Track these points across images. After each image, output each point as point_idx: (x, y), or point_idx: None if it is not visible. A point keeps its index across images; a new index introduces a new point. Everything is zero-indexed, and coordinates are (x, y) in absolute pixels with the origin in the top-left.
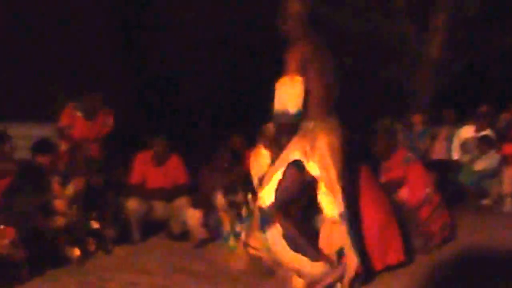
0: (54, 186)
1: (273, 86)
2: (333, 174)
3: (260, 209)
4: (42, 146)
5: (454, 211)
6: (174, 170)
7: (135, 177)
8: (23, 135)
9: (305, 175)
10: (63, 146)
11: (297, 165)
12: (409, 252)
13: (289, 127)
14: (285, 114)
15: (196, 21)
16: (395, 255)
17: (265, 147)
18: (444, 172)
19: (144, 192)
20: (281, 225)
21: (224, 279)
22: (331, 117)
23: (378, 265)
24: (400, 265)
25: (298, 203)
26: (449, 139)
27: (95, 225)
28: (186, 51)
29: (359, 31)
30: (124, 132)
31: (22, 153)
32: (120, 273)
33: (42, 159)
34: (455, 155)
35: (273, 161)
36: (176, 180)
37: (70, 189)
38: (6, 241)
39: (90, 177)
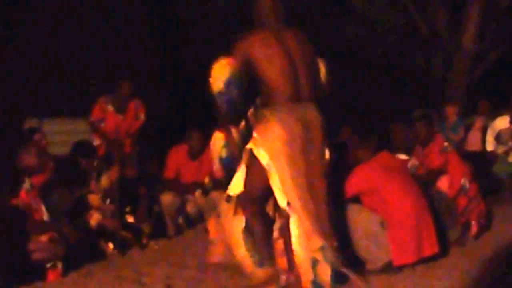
0: (91, 182)
1: None
2: (283, 162)
3: (227, 196)
4: (84, 148)
5: (489, 203)
6: (209, 164)
7: (169, 171)
8: (58, 131)
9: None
10: (96, 141)
11: (252, 154)
12: (444, 244)
13: (219, 108)
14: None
15: (231, 11)
16: (429, 247)
17: (220, 130)
18: (478, 164)
19: (179, 186)
20: (247, 220)
21: None
22: (298, 104)
23: (412, 257)
24: (435, 257)
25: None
26: (484, 130)
27: (129, 219)
28: (220, 42)
29: (393, 23)
30: (158, 125)
31: (57, 148)
32: (156, 267)
33: (81, 160)
34: (490, 147)
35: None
36: (211, 173)
37: (105, 181)
38: (45, 238)
39: (124, 171)
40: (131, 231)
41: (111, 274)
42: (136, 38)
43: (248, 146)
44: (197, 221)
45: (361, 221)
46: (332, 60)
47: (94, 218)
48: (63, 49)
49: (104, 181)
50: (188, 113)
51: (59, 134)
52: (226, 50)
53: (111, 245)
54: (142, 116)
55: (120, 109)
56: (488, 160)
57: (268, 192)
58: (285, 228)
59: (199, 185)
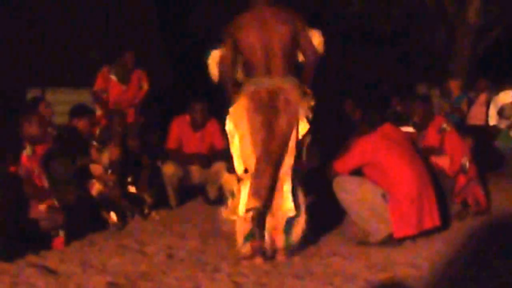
0: (91, 151)
1: None
2: (246, 129)
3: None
4: (79, 110)
5: (491, 177)
6: (211, 135)
7: (172, 142)
8: (61, 101)
9: None
10: (98, 111)
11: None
12: (445, 218)
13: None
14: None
15: None
16: (431, 220)
17: None
18: (481, 138)
19: (180, 157)
20: None
21: None
22: (269, 77)
23: (413, 230)
24: (436, 230)
25: None
26: (487, 105)
27: (131, 189)
28: (224, 11)
29: None
30: (161, 95)
31: (60, 118)
32: (157, 237)
33: (79, 123)
34: (492, 121)
35: None
36: (213, 145)
37: (106, 157)
38: (44, 207)
39: (126, 142)
40: (133, 201)
41: (113, 243)
42: (139, 7)
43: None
44: (198, 191)
45: (363, 193)
46: (338, 34)
47: (96, 188)
48: (65, 18)
49: (105, 156)
50: (191, 84)
51: (62, 104)
52: (230, 20)
53: (113, 215)
54: (146, 86)
55: (124, 79)
56: (490, 134)
57: None
58: None
59: (201, 156)
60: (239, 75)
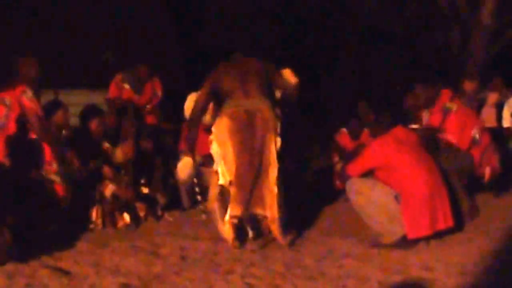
0: (104, 152)
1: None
2: (229, 146)
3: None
4: (90, 111)
5: (504, 181)
6: None
7: (185, 143)
8: (74, 103)
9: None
10: (112, 118)
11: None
12: (459, 219)
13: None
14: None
15: None
16: (444, 220)
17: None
18: (494, 140)
19: (193, 159)
20: None
21: (273, 245)
22: (246, 99)
23: (426, 231)
24: (449, 231)
25: None
26: (498, 106)
27: (144, 190)
28: (238, 19)
29: None
30: (175, 99)
31: (73, 120)
32: (170, 239)
33: (91, 124)
34: (506, 123)
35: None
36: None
37: (119, 154)
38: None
39: (139, 144)
40: (146, 202)
41: (126, 245)
42: (153, 10)
43: (210, 138)
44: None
45: (375, 195)
46: (352, 35)
47: (109, 189)
48: (80, 20)
49: (119, 155)
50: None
51: (76, 106)
52: (240, 26)
53: (126, 216)
54: (159, 93)
55: (137, 89)
56: (504, 136)
57: None
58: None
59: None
60: (208, 119)
